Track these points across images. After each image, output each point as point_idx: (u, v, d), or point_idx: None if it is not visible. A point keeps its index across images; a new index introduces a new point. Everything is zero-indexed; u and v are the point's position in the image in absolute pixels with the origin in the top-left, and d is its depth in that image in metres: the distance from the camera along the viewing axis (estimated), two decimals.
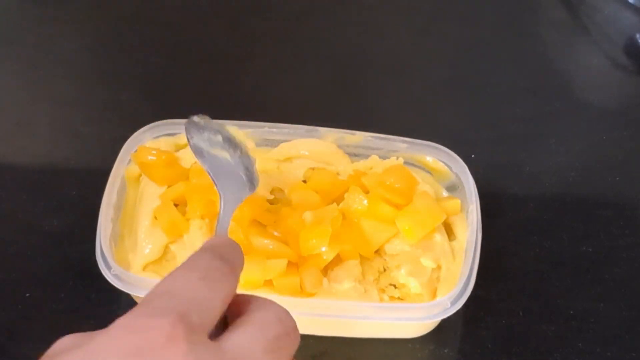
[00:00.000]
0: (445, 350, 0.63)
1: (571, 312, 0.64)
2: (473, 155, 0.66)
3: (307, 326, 0.61)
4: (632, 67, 0.84)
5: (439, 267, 0.61)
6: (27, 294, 0.63)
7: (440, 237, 0.62)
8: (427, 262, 0.60)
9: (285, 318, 0.41)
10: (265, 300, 0.41)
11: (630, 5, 0.86)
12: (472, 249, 0.59)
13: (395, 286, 0.60)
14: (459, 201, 0.63)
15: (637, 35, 0.86)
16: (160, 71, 0.77)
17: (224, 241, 0.44)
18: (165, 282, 0.40)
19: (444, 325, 0.63)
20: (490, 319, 0.64)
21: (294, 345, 0.41)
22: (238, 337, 0.39)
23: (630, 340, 0.63)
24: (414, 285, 0.59)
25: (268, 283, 0.58)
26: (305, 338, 0.60)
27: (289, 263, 0.59)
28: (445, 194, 0.66)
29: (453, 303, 0.57)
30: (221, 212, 0.48)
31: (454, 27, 0.84)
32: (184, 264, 0.41)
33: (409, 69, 0.81)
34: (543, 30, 0.85)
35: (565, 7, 0.87)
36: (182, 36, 0.82)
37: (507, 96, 0.78)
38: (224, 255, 0.42)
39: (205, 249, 0.42)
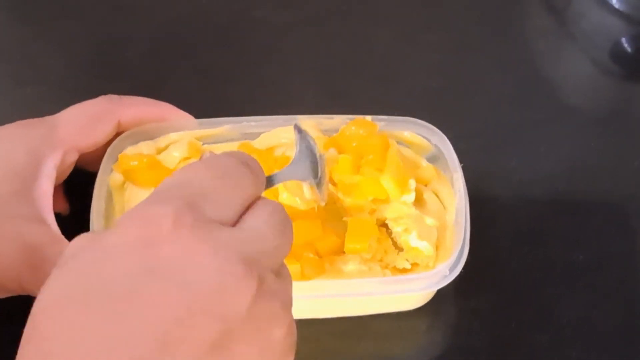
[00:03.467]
0: None
1: (564, 320, 0.64)
2: (462, 164, 0.66)
3: (306, 310, 0.62)
4: (619, 72, 0.84)
5: (442, 226, 0.62)
6: (19, 309, 0.62)
7: (431, 196, 0.64)
8: (431, 221, 0.62)
9: (283, 208, 0.43)
10: (265, 198, 0.43)
11: (616, 10, 0.87)
12: (463, 216, 0.60)
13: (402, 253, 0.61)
14: (432, 167, 0.65)
15: (623, 40, 0.86)
16: (148, 89, 0.76)
17: (247, 155, 0.44)
18: (177, 174, 0.41)
19: (435, 336, 0.63)
20: (484, 329, 0.64)
21: (291, 230, 0.43)
22: (250, 220, 0.40)
23: (624, 347, 0.63)
24: (425, 247, 0.60)
25: None
26: (305, 322, 0.61)
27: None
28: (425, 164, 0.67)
29: (451, 270, 0.58)
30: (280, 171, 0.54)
31: (441, 36, 0.84)
32: (199, 161, 0.42)
33: (396, 78, 0.80)
34: (529, 37, 0.85)
35: (551, 15, 0.87)
36: (169, 52, 0.82)
37: (495, 104, 0.78)
38: (249, 164, 0.43)
39: (229, 153, 0.43)
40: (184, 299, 0.36)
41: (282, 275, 0.42)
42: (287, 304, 0.41)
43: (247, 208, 0.42)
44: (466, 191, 0.62)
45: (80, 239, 0.39)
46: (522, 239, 0.68)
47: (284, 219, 0.42)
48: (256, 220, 0.41)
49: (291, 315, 0.41)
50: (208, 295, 0.36)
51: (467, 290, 0.59)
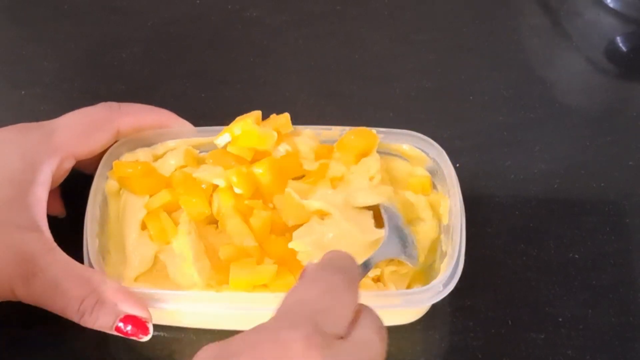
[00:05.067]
0: None
1: (560, 319, 0.64)
2: (458, 165, 0.66)
3: None
4: (614, 71, 0.84)
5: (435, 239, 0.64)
6: (12, 318, 0.62)
7: (412, 195, 0.65)
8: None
9: (378, 315, 0.47)
10: (365, 305, 0.47)
11: (610, 9, 0.87)
12: (458, 230, 0.60)
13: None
14: (429, 177, 0.66)
15: (618, 39, 0.86)
16: (142, 89, 0.76)
17: (339, 254, 0.49)
18: (295, 294, 0.45)
19: (430, 335, 0.63)
20: (480, 328, 0.64)
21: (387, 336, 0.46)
22: (359, 330, 0.45)
23: (620, 346, 0.63)
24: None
25: (263, 286, 0.59)
26: None
27: (280, 265, 0.59)
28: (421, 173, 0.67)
29: (445, 285, 0.58)
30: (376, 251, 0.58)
31: (436, 36, 0.84)
32: (306, 279, 0.47)
33: (391, 78, 0.80)
34: (524, 37, 0.85)
35: (546, 13, 0.87)
36: (163, 53, 0.82)
37: (490, 104, 0.78)
38: (342, 268, 0.47)
39: (323, 265, 0.48)
40: None
41: None
42: None
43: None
44: (463, 206, 0.62)
45: (210, 349, 0.42)
46: (517, 238, 0.69)
47: (382, 324, 0.47)
48: (364, 330, 0.45)
49: None
50: None
51: (462, 290, 0.59)
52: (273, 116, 0.67)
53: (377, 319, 0.47)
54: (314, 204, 0.61)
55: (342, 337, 0.44)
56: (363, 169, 0.65)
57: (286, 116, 0.67)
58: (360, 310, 0.46)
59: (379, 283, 0.60)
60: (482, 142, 0.75)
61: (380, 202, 0.62)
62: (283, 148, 0.65)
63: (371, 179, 0.64)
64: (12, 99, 0.78)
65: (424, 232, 0.63)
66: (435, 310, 0.63)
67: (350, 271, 0.48)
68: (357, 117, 0.72)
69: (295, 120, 0.68)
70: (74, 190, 0.65)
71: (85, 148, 0.63)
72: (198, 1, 0.87)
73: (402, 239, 0.61)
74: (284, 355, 0.41)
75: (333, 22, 0.86)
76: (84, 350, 0.62)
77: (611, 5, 0.87)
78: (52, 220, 0.60)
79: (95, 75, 0.80)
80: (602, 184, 0.72)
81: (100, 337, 0.58)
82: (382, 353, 0.45)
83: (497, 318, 0.64)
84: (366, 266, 0.56)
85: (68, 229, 0.61)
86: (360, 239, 0.60)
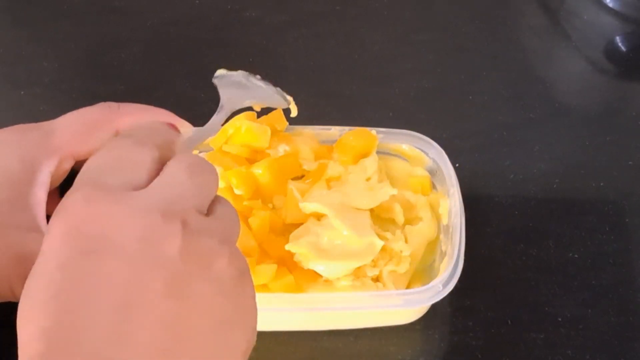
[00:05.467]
0: None
1: (559, 319, 0.64)
2: (457, 164, 0.66)
3: (301, 322, 0.62)
4: (613, 71, 0.84)
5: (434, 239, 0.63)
6: (11, 318, 0.62)
7: (411, 195, 0.65)
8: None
9: (199, 157, 0.45)
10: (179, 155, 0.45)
11: (610, 9, 0.87)
12: (458, 230, 0.60)
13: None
14: (428, 177, 0.66)
15: (617, 39, 0.86)
16: (141, 90, 0.76)
17: (144, 124, 0.50)
18: (84, 166, 0.45)
19: (433, 333, 0.63)
20: (479, 328, 0.64)
21: (213, 169, 0.44)
22: (160, 176, 0.43)
23: (619, 345, 0.63)
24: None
25: (262, 286, 0.59)
26: (298, 334, 0.60)
27: (279, 265, 0.59)
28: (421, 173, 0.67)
29: (445, 285, 0.58)
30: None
31: (435, 36, 0.84)
32: (98, 150, 0.46)
33: (390, 78, 0.80)
34: (523, 37, 0.85)
35: (545, 13, 0.87)
36: (162, 53, 0.82)
37: (489, 104, 0.78)
38: (137, 133, 0.48)
39: (120, 134, 0.48)
40: (122, 263, 0.39)
41: (216, 212, 0.43)
42: (226, 238, 0.42)
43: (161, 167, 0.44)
44: (462, 206, 0.62)
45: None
46: (516, 238, 0.69)
47: (198, 161, 0.44)
48: (165, 174, 0.43)
49: (233, 246, 0.42)
50: (138, 252, 0.39)
51: (462, 289, 0.59)
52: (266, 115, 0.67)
53: (187, 158, 0.44)
54: (309, 206, 0.61)
55: (133, 184, 0.42)
56: (361, 169, 0.65)
57: (279, 111, 0.66)
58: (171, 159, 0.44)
59: (378, 283, 0.60)
60: (482, 141, 0.75)
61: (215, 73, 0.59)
62: (282, 148, 0.65)
63: (368, 179, 0.64)
64: (12, 99, 0.78)
65: (423, 232, 0.63)
66: (434, 310, 0.63)
67: (149, 132, 0.47)
68: (357, 117, 0.72)
69: (295, 120, 0.68)
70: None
71: (85, 148, 0.63)
72: (197, 1, 0.87)
73: (251, 88, 0.58)
74: (66, 220, 0.40)
75: (332, 22, 0.86)
76: None
77: (610, 5, 0.87)
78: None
79: (94, 76, 0.80)
80: (602, 184, 0.72)
81: None
82: (198, 187, 0.43)
83: (497, 318, 0.64)
84: (195, 138, 0.52)
85: None
86: (356, 240, 0.60)
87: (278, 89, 0.58)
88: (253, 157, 0.65)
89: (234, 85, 0.57)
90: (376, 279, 0.60)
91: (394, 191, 0.63)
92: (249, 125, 0.64)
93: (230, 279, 0.41)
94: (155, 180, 0.43)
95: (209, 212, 0.43)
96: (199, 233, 0.41)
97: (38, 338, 0.40)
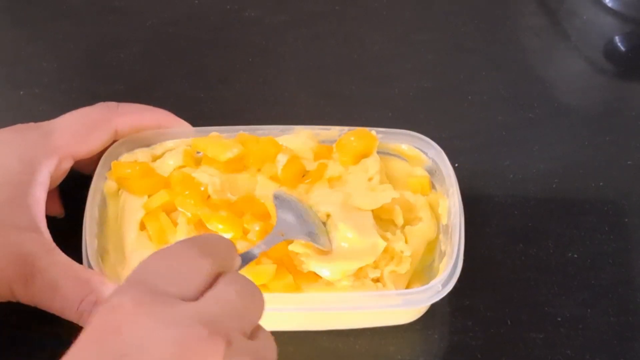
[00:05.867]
0: None
1: (559, 319, 0.64)
2: (457, 164, 0.66)
3: (301, 322, 0.62)
4: (613, 71, 0.84)
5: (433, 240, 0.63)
6: (13, 317, 0.62)
7: (411, 195, 0.65)
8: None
9: (248, 279, 0.45)
10: (231, 273, 0.45)
11: (609, 9, 0.87)
12: (457, 231, 0.60)
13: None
14: (428, 177, 0.66)
15: (617, 39, 0.86)
16: (141, 89, 0.76)
17: (212, 235, 0.49)
18: (140, 264, 0.43)
19: (432, 333, 0.63)
20: (479, 328, 0.64)
21: (261, 297, 0.45)
22: (211, 292, 0.42)
23: (619, 345, 0.63)
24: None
25: (262, 286, 0.59)
26: (298, 334, 0.60)
27: (279, 265, 0.59)
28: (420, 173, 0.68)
29: (444, 285, 0.58)
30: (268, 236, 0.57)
31: (434, 36, 0.84)
32: (159, 250, 0.44)
33: (390, 78, 0.80)
34: (523, 36, 0.85)
35: (545, 13, 0.87)
36: (162, 53, 0.82)
37: (489, 104, 0.78)
38: (201, 242, 0.45)
39: (185, 240, 0.46)
40: None
41: (258, 337, 0.43)
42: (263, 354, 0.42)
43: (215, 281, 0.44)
44: (462, 206, 0.62)
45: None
46: (516, 238, 0.69)
47: (249, 285, 0.44)
48: (217, 290, 0.43)
49: None
50: None
51: (461, 289, 0.59)
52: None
53: (239, 280, 0.44)
54: (320, 208, 0.61)
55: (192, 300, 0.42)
56: (362, 169, 0.65)
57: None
58: (223, 276, 0.44)
59: (378, 283, 0.60)
60: (481, 141, 0.75)
61: (274, 192, 0.62)
62: (283, 158, 0.65)
63: (370, 179, 0.64)
64: (11, 99, 0.78)
65: (423, 232, 0.63)
66: (434, 310, 0.63)
67: (212, 246, 0.46)
68: (356, 117, 0.72)
69: (294, 120, 0.68)
70: (72, 190, 0.65)
71: (84, 148, 0.63)
72: (197, 1, 0.87)
73: (303, 223, 0.60)
74: (113, 319, 0.40)
75: (332, 22, 0.86)
76: None
77: (610, 5, 0.87)
78: (51, 221, 0.60)
79: (94, 76, 0.80)
80: (601, 184, 0.72)
81: None
82: (245, 309, 0.43)
83: (496, 318, 0.64)
84: (252, 255, 0.53)
85: (66, 230, 0.61)
86: (359, 241, 0.60)
87: (324, 228, 0.61)
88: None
89: (291, 212, 0.60)
90: (377, 280, 0.60)
91: (396, 194, 0.63)
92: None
93: None
94: (207, 295, 0.42)
95: (251, 336, 0.43)
96: (240, 355, 0.40)
97: None
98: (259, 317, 0.44)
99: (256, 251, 0.54)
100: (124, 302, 0.40)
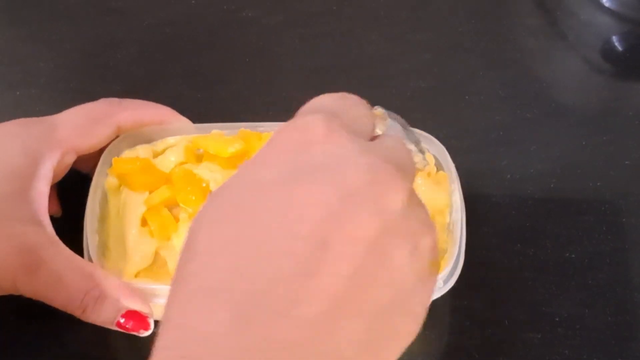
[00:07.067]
0: None
1: (557, 319, 0.64)
2: (454, 164, 0.66)
3: None
4: (610, 71, 0.84)
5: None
6: (12, 317, 0.62)
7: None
8: None
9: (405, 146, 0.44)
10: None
11: (606, 9, 0.87)
12: (459, 227, 0.60)
13: None
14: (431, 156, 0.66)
15: (614, 38, 0.86)
16: (138, 90, 0.76)
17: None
18: (313, 101, 0.43)
19: (429, 333, 0.63)
20: (476, 328, 0.64)
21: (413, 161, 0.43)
22: (383, 138, 0.42)
23: (617, 345, 0.63)
24: None
25: None
26: None
27: None
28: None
29: (445, 282, 0.58)
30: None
31: (432, 36, 0.84)
32: (327, 95, 0.43)
33: (387, 78, 0.80)
34: (520, 36, 0.85)
35: (542, 13, 0.87)
36: (159, 53, 0.82)
37: (486, 104, 0.78)
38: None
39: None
40: (341, 194, 0.36)
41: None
42: (432, 222, 0.40)
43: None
44: (463, 204, 0.62)
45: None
46: (513, 238, 0.68)
47: (407, 149, 0.43)
48: (385, 140, 0.42)
49: (436, 235, 0.40)
50: (365, 190, 0.37)
51: (458, 289, 0.59)
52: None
53: (400, 139, 0.43)
54: None
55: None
56: None
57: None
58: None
59: None
60: (478, 141, 0.75)
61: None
62: None
63: None
64: (7, 99, 0.78)
65: None
66: (431, 309, 0.63)
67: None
68: None
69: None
70: (71, 189, 0.66)
71: (87, 142, 0.63)
72: (194, 1, 0.87)
73: (410, 133, 0.57)
74: (304, 139, 0.38)
75: (329, 22, 0.86)
76: (84, 346, 0.62)
77: (607, 4, 0.87)
78: (50, 219, 0.60)
79: (90, 76, 0.80)
80: (599, 183, 0.72)
81: (100, 333, 0.58)
82: (412, 167, 0.42)
83: (494, 318, 0.64)
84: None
85: (66, 228, 0.61)
86: None
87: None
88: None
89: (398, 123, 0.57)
90: None
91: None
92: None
93: (429, 264, 0.39)
94: (378, 141, 0.41)
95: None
96: (419, 203, 0.39)
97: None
98: (414, 179, 0.43)
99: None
100: (317, 121, 0.39)
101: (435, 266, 0.40)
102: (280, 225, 0.36)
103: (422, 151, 0.57)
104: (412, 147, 0.55)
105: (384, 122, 0.54)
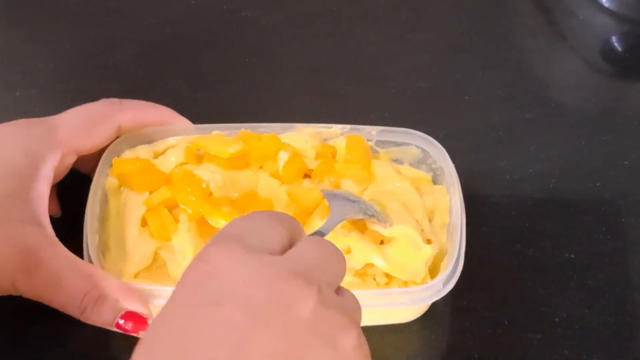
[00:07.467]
0: None
1: (556, 319, 0.64)
2: (454, 165, 0.66)
3: None
4: (609, 71, 0.84)
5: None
6: (11, 318, 0.62)
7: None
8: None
9: (329, 241, 0.46)
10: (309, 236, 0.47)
11: (606, 9, 0.87)
12: (458, 229, 0.60)
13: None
14: (428, 177, 0.67)
15: (613, 38, 0.86)
16: (137, 90, 0.76)
17: (279, 212, 0.49)
18: (221, 229, 0.45)
19: (429, 334, 0.63)
20: (476, 328, 0.64)
21: (343, 257, 0.45)
22: (295, 248, 0.43)
23: (616, 345, 0.63)
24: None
25: None
26: None
27: None
28: None
29: (445, 284, 0.58)
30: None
31: (431, 36, 0.84)
32: (235, 218, 0.46)
33: (386, 78, 0.80)
34: (519, 36, 0.85)
35: (541, 13, 0.87)
36: (159, 54, 0.82)
37: (485, 104, 0.78)
38: (273, 214, 0.46)
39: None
40: (249, 314, 0.39)
41: (344, 294, 0.44)
42: (353, 318, 0.42)
43: (290, 246, 0.44)
44: (463, 206, 0.62)
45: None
46: (513, 238, 0.68)
47: (328, 243, 0.45)
48: (299, 248, 0.44)
49: (359, 330, 0.42)
50: (269, 307, 0.39)
51: (459, 290, 0.59)
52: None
53: (320, 240, 0.46)
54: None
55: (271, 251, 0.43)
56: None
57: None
58: (299, 240, 0.45)
59: (378, 280, 0.60)
60: (478, 141, 0.75)
61: (322, 191, 0.62)
62: (284, 155, 0.65)
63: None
64: (7, 100, 0.78)
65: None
66: (431, 310, 0.63)
67: (282, 216, 0.47)
68: (353, 117, 0.72)
69: (291, 121, 0.68)
70: (71, 189, 0.65)
71: (87, 143, 0.63)
72: (193, 1, 0.87)
73: (360, 204, 0.61)
74: (208, 266, 0.41)
75: (328, 23, 0.86)
76: (84, 346, 0.62)
77: (606, 4, 0.87)
78: (50, 220, 0.60)
79: (90, 76, 0.80)
80: (598, 184, 0.72)
81: (100, 334, 0.58)
82: (329, 265, 0.44)
83: (493, 318, 0.64)
84: (321, 233, 0.54)
85: (66, 228, 0.61)
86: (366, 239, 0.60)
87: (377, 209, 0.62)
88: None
89: (343, 199, 0.61)
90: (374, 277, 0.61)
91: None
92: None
93: (355, 356, 0.41)
94: (290, 252, 0.43)
95: (337, 293, 0.43)
96: (330, 305, 0.41)
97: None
98: (343, 274, 0.44)
99: (320, 233, 0.54)
100: (218, 251, 0.41)
101: (367, 357, 0.42)
102: (207, 350, 0.38)
103: (373, 215, 0.60)
104: (360, 215, 0.60)
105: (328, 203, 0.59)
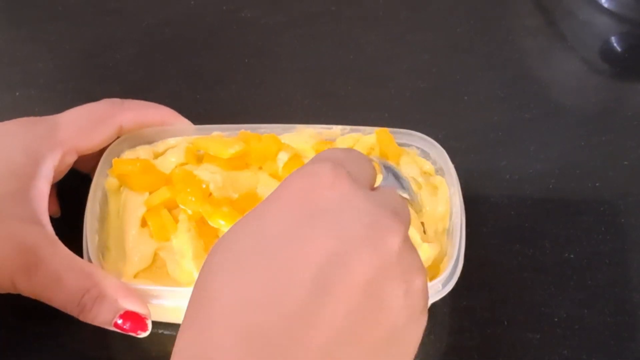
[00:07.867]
0: None
1: (556, 319, 0.64)
2: (453, 165, 0.66)
3: None
4: (609, 71, 0.84)
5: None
6: (10, 318, 0.62)
7: None
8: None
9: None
10: None
11: (605, 9, 0.87)
12: (458, 231, 0.60)
13: None
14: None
15: (613, 39, 0.86)
16: (137, 90, 0.76)
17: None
18: (320, 153, 0.46)
19: (429, 336, 0.63)
20: (475, 329, 0.64)
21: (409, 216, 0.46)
22: (383, 190, 0.46)
23: (616, 345, 0.63)
24: None
25: None
26: None
27: None
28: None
29: (444, 285, 0.58)
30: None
31: (430, 36, 0.84)
32: (333, 148, 0.51)
33: (386, 79, 0.80)
34: (519, 37, 0.85)
35: (541, 14, 0.87)
36: (158, 54, 0.82)
37: (485, 104, 0.78)
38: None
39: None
40: (341, 237, 0.40)
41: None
42: (422, 264, 0.44)
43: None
44: (463, 207, 0.62)
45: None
46: (512, 238, 0.69)
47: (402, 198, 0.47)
48: (383, 191, 0.46)
49: (427, 277, 0.44)
50: (364, 233, 0.41)
51: (458, 290, 0.59)
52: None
53: (394, 190, 0.48)
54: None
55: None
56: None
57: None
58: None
59: None
60: (477, 142, 0.75)
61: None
62: (284, 156, 0.65)
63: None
64: (6, 100, 0.78)
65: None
66: (431, 310, 0.63)
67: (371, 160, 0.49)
68: (352, 118, 0.72)
69: (291, 121, 0.68)
70: (71, 189, 0.66)
71: (88, 142, 0.63)
72: (193, 2, 0.87)
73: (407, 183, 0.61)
74: (311, 185, 0.42)
75: (328, 23, 0.86)
76: (83, 346, 0.62)
77: (606, 5, 0.87)
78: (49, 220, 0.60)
79: (89, 77, 0.80)
80: (598, 184, 0.72)
81: (99, 334, 0.58)
82: (407, 216, 0.45)
83: (493, 318, 0.64)
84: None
85: (66, 228, 0.61)
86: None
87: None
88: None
89: (395, 176, 0.59)
90: None
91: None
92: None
93: (421, 303, 0.43)
94: (379, 190, 0.45)
95: None
96: (412, 247, 0.43)
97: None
98: (409, 225, 0.45)
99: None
100: (324, 169, 0.42)
101: (426, 306, 0.44)
102: (283, 275, 0.39)
103: (413, 198, 0.58)
104: (405, 195, 0.57)
105: (379, 173, 0.57)
